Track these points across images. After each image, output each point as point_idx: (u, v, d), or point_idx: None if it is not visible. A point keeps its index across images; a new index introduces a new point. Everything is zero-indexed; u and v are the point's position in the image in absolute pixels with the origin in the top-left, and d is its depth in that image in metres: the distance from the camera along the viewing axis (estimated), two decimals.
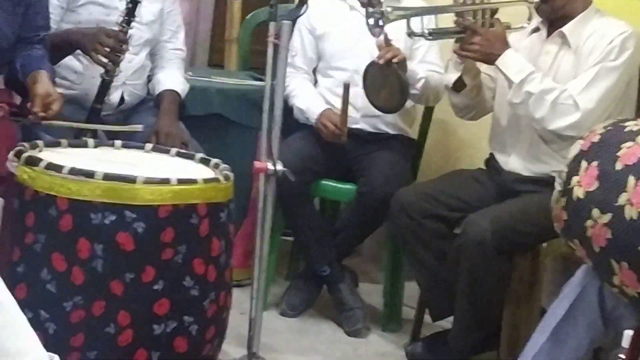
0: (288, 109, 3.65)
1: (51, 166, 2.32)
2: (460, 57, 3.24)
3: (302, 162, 3.50)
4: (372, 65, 3.47)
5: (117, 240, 2.29)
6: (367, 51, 3.60)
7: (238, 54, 4.55)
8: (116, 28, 3.20)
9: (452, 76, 3.33)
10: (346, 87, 3.44)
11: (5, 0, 2.97)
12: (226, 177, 2.52)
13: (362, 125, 3.68)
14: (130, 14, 3.20)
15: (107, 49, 3.15)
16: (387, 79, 3.43)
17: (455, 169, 3.73)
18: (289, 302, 3.71)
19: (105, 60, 3.16)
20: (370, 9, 3.18)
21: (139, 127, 3.02)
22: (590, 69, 3.09)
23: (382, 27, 3.17)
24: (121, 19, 3.20)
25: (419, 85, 3.58)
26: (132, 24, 3.24)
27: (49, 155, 2.49)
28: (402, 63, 3.42)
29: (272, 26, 2.76)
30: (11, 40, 3.03)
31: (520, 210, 3.06)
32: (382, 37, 3.39)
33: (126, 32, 3.19)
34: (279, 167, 2.76)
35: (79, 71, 3.37)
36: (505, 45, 3.17)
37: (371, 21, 3.19)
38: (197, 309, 2.44)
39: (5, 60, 3.09)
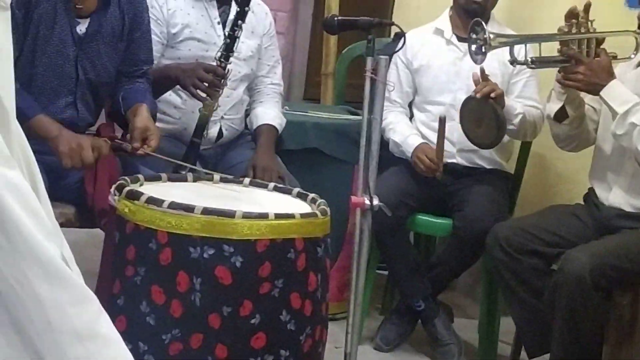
0: (384, 143, 3.65)
1: (151, 200, 2.35)
2: (564, 86, 3.20)
3: (398, 197, 3.50)
4: (469, 100, 3.45)
5: (215, 274, 2.31)
6: (464, 85, 3.60)
7: (334, 88, 4.58)
8: (214, 63, 3.24)
9: (555, 106, 3.29)
10: (442, 121, 3.43)
11: (108, 36, 3.04)
12: (323, 212, 2.52)
13: (458, 160, 3.67)
14: (228, 49, 3.24)
15: (206, 84, 3.19)
16: (484, 114, 3.40)
17: (552, 203, 3.68)
18: (383, 336, 3.69)
19: (203, 95, 3.21)
20: (474, 36, 3.16)
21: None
22: None
23: (484, 53, 3.15)
24: (219, 54, 3.24)
25: (517, 121, 3.54)
26: (230, 59, 3.29)
27: (149, 189, 2.53)
28: (500, 98, 3.39)
29: (369, 61, 2.75)
30: (113, 74, 3.11)
31: (620, 247, 3.00)
32: (478, 72, 3.37)
33: (224, 67, 3.23)
34: (376, 202, 2.75)
35: (179, 106, 3.42)
36: (610, 75, 3.11)
37: (474, 47, 3.17)
38: (294, 343, 2.43)
39: (107, 94, 3.16)
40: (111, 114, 3.22)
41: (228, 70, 3.25)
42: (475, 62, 3.21)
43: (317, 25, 5.44)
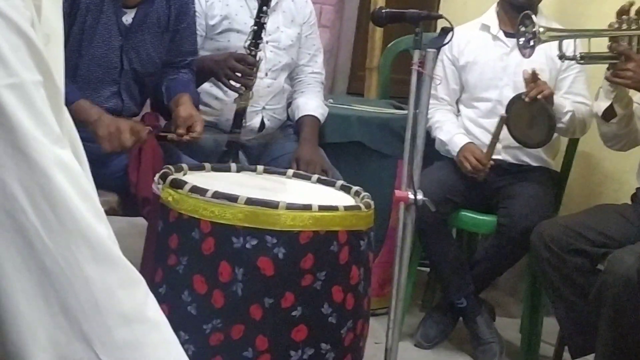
0: (429, 139, 3.63)
1: (195, 189, 2.34)
2: (612, 83, 3.15)
3: (442, 192, 3.47)
4: (516, 100, 3.41)
5: (257, 264, 2.29)
6: (511, 81, 3.57)
7: (378, 82, 4.56)
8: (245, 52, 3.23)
9: (603, 104, 3.25)
10: (502, 120, 3.38)
11: (154, 27, 3.05)
12: (367, 205, 2.50)
13: (503, 157, 3.63)
14: (256, 36, 3.21)
15: (238, 74, 3.18)
16: (533, 115, 3.37)
17: (598, 203, 3.63)
18: (424, 333, 3.67)
19: (237, 85, 3.20)
20: (522, 28, 3.12)
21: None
22: None
23: (533, 47, 3.11)
24: (248, 42, 3.22)
25: (566, 119, 3.49)
26: (268, 48, 3.27)
27: (193, 178, 2.52)
28: (549, 98, 3.35)
29: (416, 54, 2.72)
30: (158, 65, 3.11)
31: None
32: (528, 69, 3.33)
33: (255, 55, 3.21)
34: (420, 196, 2.72)
35: (220, 97, 3.42)
36: None
37: (522, 41, 3.13)
38: (335, 336, 2.41)
39: (152, 84, 3.17)
40: (155, 104, 3.22)
41: (259, 58, 3.23)
42: (524, 55, 3.16)
43: (363, 19, 5.42)
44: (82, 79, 2.96)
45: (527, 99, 3.33)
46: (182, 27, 3.15)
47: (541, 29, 3.07)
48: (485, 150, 3.48)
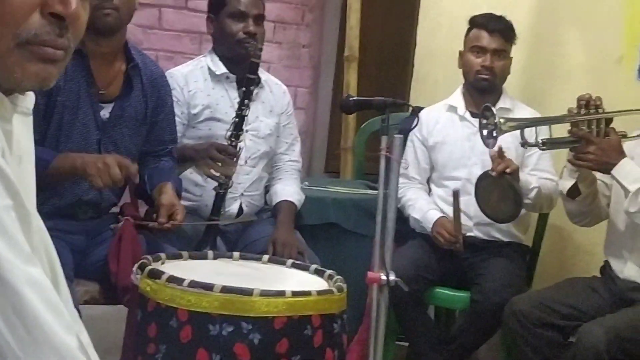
0: (402, 218, 3.72)
1: (172, 279, 2.41)
2: (575, 166, 3.25)
3: (416, 270, 3.55)
4: (484, 177, 3.52)
5: (234, 351, 2.34)
6: (479, 160, 3.67)
7: (353, 162, 4.65)
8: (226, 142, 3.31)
9: (567, 183, 3.34)
10: (455, 195, 3.49)
11: (131, 120, 3.11)
12: (339, 289, 2.57)
13: (475, 233, 3.72)
14: (237, 127, 3.31)
15: (219, 163, 3.27)
16: (500, 190, 3.46)
17: (571, 275, 3.71)
18: None
19: (217, 174, 3.28)
20: (484, 121, 3.23)
21: (253, 218, 3.06)
22: None
23: (495, 138, 3.22)
24: (229, 133, 3.32)
25: (532, 194, 3.59)
26: (247, 137, 3.38)
27: (170, 267, 2.59)
28: (515, 173, 3.45)
29: (383, 139, 2.81)
30: (135, 156, 3.17)
31: (637, 320, 3.03)
32: (495, 148, 3.44)
33: (236, 145, 3.30)
34: (392, 277, 2.79)
35: (200, 183, 3.49)
36: (621, 154, 3.16)
37: (485, 132, 3.24)
38: None
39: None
40: (136, 193, 3.28)
41: (239, 148, 3.32)
42: (487, 146, 3.29)
43: (337, 101, 5.55)
44: None
45: (494, 174, 3.44)
46: (160, 118, 3.22)
47: (502, 120, 3.18)
48: (453, 225, 3.57)
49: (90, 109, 3.00)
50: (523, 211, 3.67)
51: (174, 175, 3.23)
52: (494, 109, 3.19)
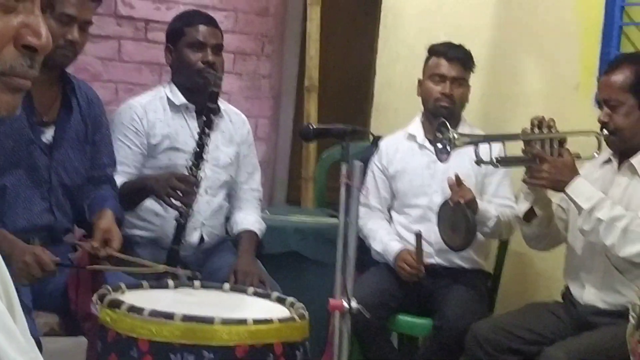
0: (364, 245, 3.73)
1: (132, 309, 2.40)
2: (529, 185, 3.27)
3: (379, 298, 3.56)
4: (444, 205, 3.55)
5: None
6: (439, 188, 3.70)
7: (314, 191, 4.65)
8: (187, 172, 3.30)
9: (523, 207, 3.37)
10: (418, 237, 3.53)
11: (74, 141, 3.11)
12: (301, 316, 2.57)
13: (437, 260, 3.73)
14: (197, 157, 3.31)
15: (179, 193, 3.25)
16: (456, 219, 3.50)
17: (532, 300, 3.73)
18: None
19: (178, 203, 3.27)
20: (439, 135, 3.24)
21: (187, 272, 3.03)
22: None
23: (449, 152, 3.22)
24: (190, 162, 3.31)
25: (491, 224, 3.63)
26: (207, 166, 3.38)
27: (130, 297, 2.58)
28: (472, 203, 3.48)
29: (343, 167, 2.83)
30: (84, 177, 3.16)
31: (597, 344, 3.04)
32: (453, 176, 3.46)
33: (196, 175, 3.30)
34: (354, 304, 2.79)
35: (160, 213, 3.48)
36: (574, 172, 3.19)
37: (439, 146, 3.24)
38: None
39: (80, 197, 3.19)
40: (78, 221, 3.24)
41: (200, 178, 3.31)
42: (441, 160, 3.29)
43: (298, 131, 5.55)
44: (11, 199, 2.97)
45: (451, 203, 3.46)
46: (97, 138, 3.20)
47: (455, 135, 3.19)
48: (415, 258, 3.58)
49: (32, 134, 2.98)
50: (482, 238, 3.70)
51: (114, 203, 3.21)
52: (448, 124, 3.20)
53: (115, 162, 3.33)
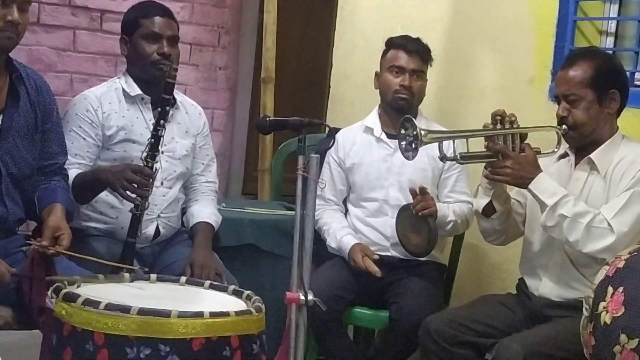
0: (320, 238, 3.74)
1: (88, 302, 2.38)
2: (492, 181, 3.29)
3: (335, 291, 3.56)
4: (405, 209, 3.57)
5: None
6: (396, 181, 3.71)
7: (271, 184, 4.65)
8: (142, 164, 3.28)
9: (482, 201, 3.38)
10: (422, 189, 3.53)
11: (23, 129, 3.07)
12: (258, 309, 2.57)
13: (392, 253, 3.74)
14: (153, 148, 3.28)
15: (135, 185, 3.24)
16: (418, 226, 3.52)
17: (487, 292, 3.76)
18: None
19: (133, 195, 3.25)
20: (404, 131, 3.24)
21: (135, 268, 3.03)
22: (622, 194, 3.11)
23: (415, 149, 3.20)
24: (145, 154, 3.29)
25: (449, 227, 3.67)
26: (163, 158, 3.36)
27: (86, 290, 2.56)
28: (435, 214, 3.51)
29: (300, 159, 2.83)
30: (34, 167, 3.12)
31: (552, 335, 3.06)
32: (416, 188, 3.49)
33: (152, 167, 3.27)
34: (310, 296, 2.80)
35: (115, 206, 3.45)
36: (537, 169, 3.20)
37: (404, 144, 3.24)
38: None
39: (30, 187, 3.16)
40: (28, 214, 3.21)
41: (155, 170, 3.29)
42: (407, 158, 3.26)
43: (254, 122, 5.54)
44: None
45: (414, 212, 3.49)
46: (47, 127, 3.17)
47: (422, 132, 3.17)
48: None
49: None
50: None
51: (65, 195, 3.18)
52: (414, 121, 3.20)
53: (66, 151, 3.29)
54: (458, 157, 3.28)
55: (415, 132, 3.17)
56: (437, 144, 3.30)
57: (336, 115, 4.86)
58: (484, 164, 3.28)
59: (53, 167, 3.23)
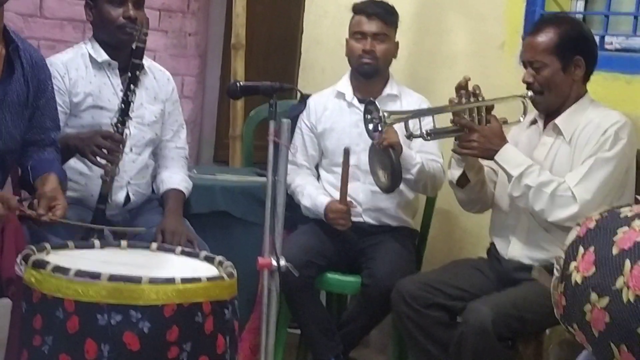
0: (292, 204, 3.73)
1: (58, 269, 2.37)
2: (460, 154, 3.31)
3: (307, 256, 3.56)
4: (371, 149, 3.57)
5: (123, 340, 2.32)
6: (368, 147, 3.69)
7: (242, 150, 4.63)
8: (112, 129, 3.26)
9: (456, 172, 3.40)
10: (346, 152, 3.54)
11: (14, 103, 3.03)
12: (230, 275, 2.56)
13: (365, 219, 3.75)
14: (123, 114, 3.26)
15: (104, 151, 3.21)
16: (383, 161, 3.50)
17: (459, 258, 3.78)
18: None
19: (103, 161, 3.22)
20: (368, 116, 3.26)
21: (141, 230, 3.06)
22: (586, 161, 3.13)
23: (381, 132, 3.25)
24: (115, 119, 3.27)
25: (414, 170, 3.63)
26: (132, 124, 3.33)
27: (56, 258, 2.54)
28: (396, 145, 3.48)
29: (271, 124, 2.82)
30: (19, 142, 3.09)
31: (521, 298, 3.09)
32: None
33: (122, 132, 3.25)
34: (282, 262, 2.80)
35: (84, 172, 3.42)
36: (503, 140, 3.24)
37: (370, 126, 3.27)
38: None
39: (13, 161, 3.15)
40: (20, 183, 3.20)
41: (126, 135, 3.27)
42: (372, 139, 3.34)
43: (225, 89, 5.51)
44: None
45: (377, 146, 3.48)
46: (41, 102, 3.14)
47: (386, 114, 3.22)
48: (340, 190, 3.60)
49: None
50: (411, 194, 3.74)
51: (58, 166, 3.16)
52: (377, 104, 3.22)
53: (59, 126, 3.27)
54: (424, 134, 3.30)
55: (379, 115, 3.20)
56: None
57: (307, 82, 4.84)
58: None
59: (46, 140, 3.20)
